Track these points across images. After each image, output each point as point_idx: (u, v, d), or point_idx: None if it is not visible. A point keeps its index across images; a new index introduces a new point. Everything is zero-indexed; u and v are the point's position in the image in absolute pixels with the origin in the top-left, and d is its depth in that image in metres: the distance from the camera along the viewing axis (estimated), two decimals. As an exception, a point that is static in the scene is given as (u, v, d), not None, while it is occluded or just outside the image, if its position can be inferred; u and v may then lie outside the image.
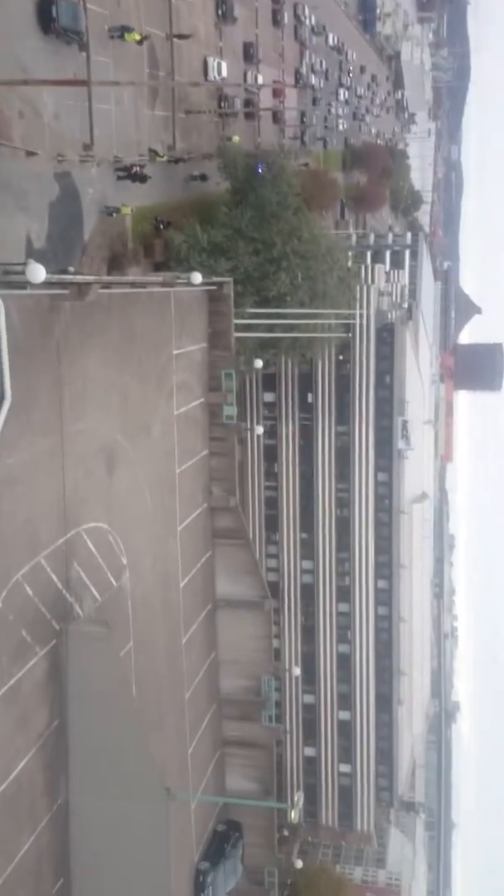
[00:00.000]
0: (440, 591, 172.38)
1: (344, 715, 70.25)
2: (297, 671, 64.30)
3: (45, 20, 33.64)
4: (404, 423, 67.17)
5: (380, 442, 67.08)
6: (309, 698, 70.14)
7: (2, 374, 21.63)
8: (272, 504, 68.38)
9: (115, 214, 41.16)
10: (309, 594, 68.96)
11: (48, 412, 27.09)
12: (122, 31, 40.53)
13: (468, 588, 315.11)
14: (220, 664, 45.39)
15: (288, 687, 66.83)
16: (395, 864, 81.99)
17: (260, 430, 62.07)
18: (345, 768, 71.14)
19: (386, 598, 69.20)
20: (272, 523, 68.37)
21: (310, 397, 67.09)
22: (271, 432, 67.47)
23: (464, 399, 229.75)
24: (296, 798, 33.82)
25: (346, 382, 66.19)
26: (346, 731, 70.48)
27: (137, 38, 41.39)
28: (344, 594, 68.70)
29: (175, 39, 47.93)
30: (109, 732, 29.00)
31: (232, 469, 44.02)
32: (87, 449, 29.82)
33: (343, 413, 66.77)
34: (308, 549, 68.37)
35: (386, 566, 68.82)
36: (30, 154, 32.22)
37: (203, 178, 50.24)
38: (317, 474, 67.21)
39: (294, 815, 33.61)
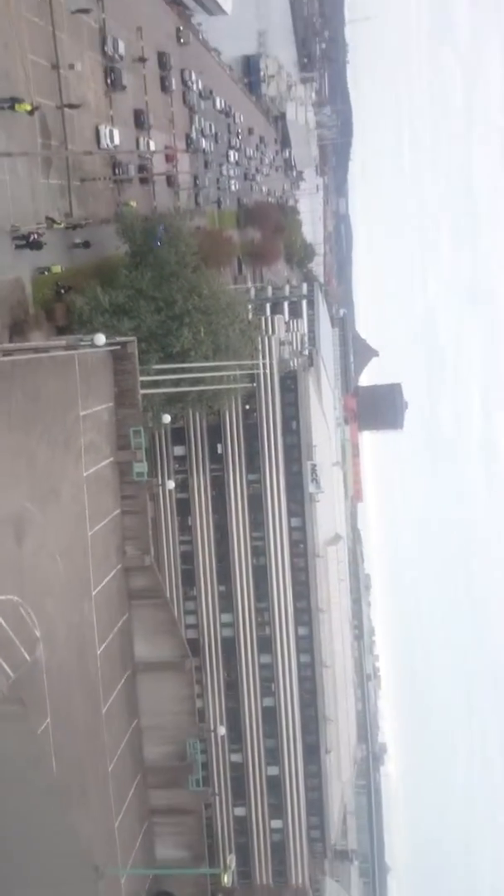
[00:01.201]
0: (360, 632, 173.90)
1: (272, 770, 69.57)
2: (222, 730, 63.58)
3: None
4: (313, 466, 68.50)
5: (291, 487, 68.12)
6: (236, 757, 69.17)
7: None
8: (188, 558, 68.17)
9: (46, 273, 44.69)
10: (230, 648, 68.57)
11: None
12: (12, 103, 40.85)
13: (386, 627, 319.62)
14: (142, 731, 44.52)
15: (214, 747, 65.88)
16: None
17: (171, 484, 62.03)
18: (276, 824, 70.17)
19: (307, 644, 69.49)
20: (189, 578, 68.06)
21: (219, 448, 67.77)
22: (183, 486, 67.55)
23: (368, 439, 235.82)
24: (228, 861, 33.39)
25: (255, 431, 67.33)
26: (275, 786, 69.74)
27: (28, 108, 41.78)
28: (265, 645, 68.67)
29: (66, 109, 48.77)
30: (29, 814, 27.95)
31: (145, 526, 43.86)
32: (-6, 520, 29.27)
33: (253, 461, 67.68)
34: (226, 601, 68.21)
35: (305, 612, 69.28)
36: None
37: (86, 245, 50.18)
38: (231, 524, 67.55)
39: (227, 879, 33.10)
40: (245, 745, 69.06)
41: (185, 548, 68.28)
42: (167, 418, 51.78)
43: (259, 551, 68.27)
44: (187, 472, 67.72)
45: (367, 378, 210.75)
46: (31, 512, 32.48)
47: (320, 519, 69.78)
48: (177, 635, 45.40)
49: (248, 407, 66.97)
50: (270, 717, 69.18)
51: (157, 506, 65.59)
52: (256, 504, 67.81)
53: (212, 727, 63.37)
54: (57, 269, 46.13)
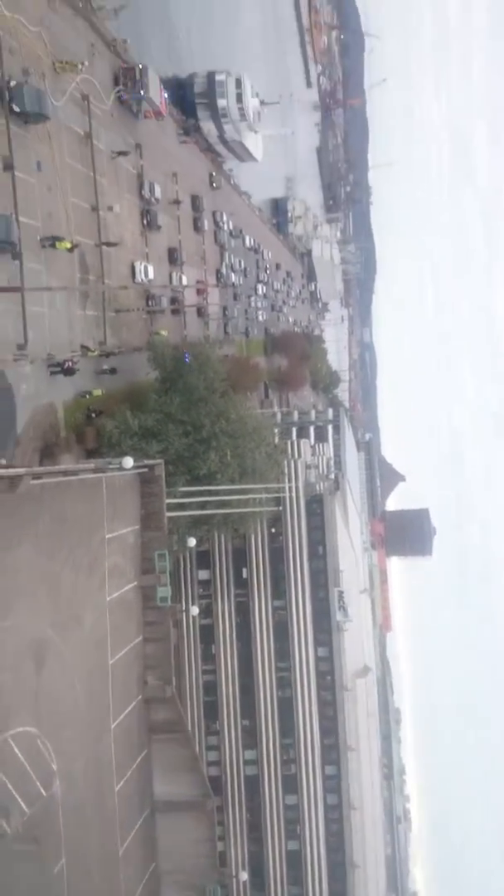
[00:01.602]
0: (389, 771, 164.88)
1: (297, 919, 64.65)
2: (244, 876, 59.47)
3: (-23, 234, 35.73)
4: (340, 593, 67.07)
5: (317, 614, 66.48)
6: (259, 904, 64.53)
7: None
8: (211, 689, 65.87)
9: (87, 396, 46.84)
10: (253, 787, 65.11)
11: (-24, 610, 26.19)
12: (53, 241, 43.30)
13: (418, 765, 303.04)
14: (161, 875, 41.74)
15: (235, 894, 61.46)
16: None
17: (195, 610, 60.91)
18: None
19: (335, 784, 65.91)
20: (211, 711, 65.51)
21: (245, 572, 66.76)
22: (207, 611, 66.20)
23: (397, 565, 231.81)
24: None
25: (280, 555, 66.45)
26: (300, 938, 64.58)
27: (68, 246, 44.29)
28: (290, 784, 65.17)
29: (104, 247, 51.40)
30: None
31: (167, 655, 42.65)
32: (14, 647, 28.63)
33: (279, 586, 66.45)
34: (250, 736, 65.32)
35: (333, 749, 66.09)
36: (-36, 355, 33.16)
37: (113, 371, 51.57)
38: (256, 653, 65.61)
39: None
40: (268, 892, 64.36)
41: (207, 678, 66.14)
42: (192, 541, 51.44)
43: (284, 682, 65.93)
44: (211, 596, 66.56)
45: (394, 503, 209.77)
46: (52, 638, 31.81)
47: (348, 649, 67.65)
48: (198, 773, 43.26)
49: (273, 531, 66.53)
50: (295, 861, 64.82)
51: (181, 632, 64.09)
52: (282, 632, 66.11)
53: (234, 872, 59.29)
54: (97, 392, 48.01)
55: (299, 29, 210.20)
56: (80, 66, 48.12)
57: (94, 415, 47.58)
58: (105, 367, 50.14)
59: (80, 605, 34.96)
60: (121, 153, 56.13)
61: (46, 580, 31.72)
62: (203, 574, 66.86)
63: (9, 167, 38.51)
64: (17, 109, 39.65)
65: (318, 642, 66.50)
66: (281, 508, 64.57)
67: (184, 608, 60.07)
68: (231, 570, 66.63)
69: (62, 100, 46.14)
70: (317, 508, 68.17)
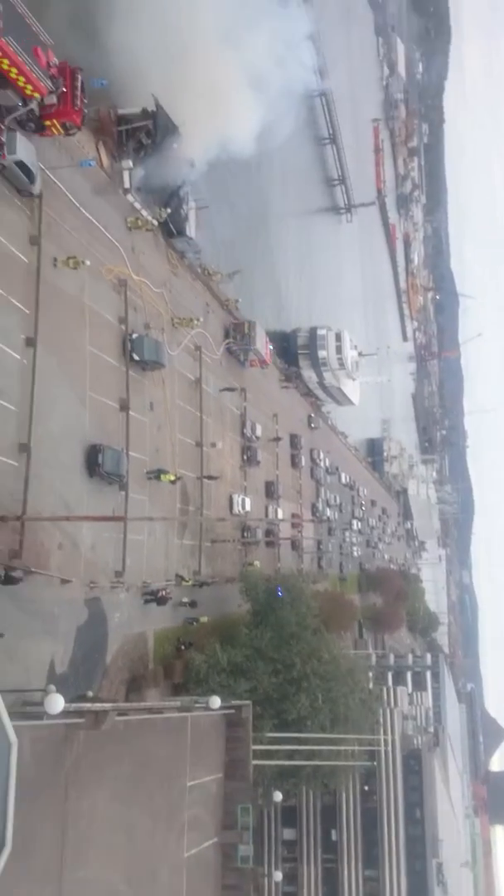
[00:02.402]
0: None
1: None
2: None
3: (92, 465, 37.79)
4: (439, 865, 59.85)
5: (413, 890, 59.02)
6: None
7: (5, 819, 19.80)
8: None
9: (194, 623, 47.79)
10: None
11: (49, 858, 24.41)
12: (158, 473, 45.43)
13: None
14: None
15: None
16: None
17: (279, 875, 54.92)
18: None
19: None
20: None
21: (333, 834, 60.72)
22: (291, 877, 59.60)
23: (502, 835, 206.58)
24: None
25: (373, 817, 60.40)
26: None
27: (172, 478, 46.32)
28: None
29: (205, 480, 53.44)
30: None
31: (246, 928, 37.95)
32: (85, 901, 26.10)
33: (371, 853, 59.79)
34: None
35: None
36: (64, 582, 33.77)
37: (193, 604, 49.49)
38: (344, 934, 57.79)
39: None
40: None
41: None
42: (279, 796, 47.55)
43: None
44: (297, 859, 60.21)
45: (498, 762, 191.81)
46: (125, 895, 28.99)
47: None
48: None
49: (366, 788, 60.93)
50: None
51: (260, 899, 57.51)
52: (374, 908, 58.47)
53: None
54: (204, 619, 47.97)
55: (397, 291, 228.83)
56: (195, 322, 53.17)
57: (183, 647, 46.66)
58: (185, 599, 48.59)
59: (156, 860, 32.05)
60: (227, 389, 60.05)
61: (123, 829, 29.48)
62: (288, 833, 60.97)
63: (124, 407, 41.63)
64: (136, 358, 43.51)
65: (416, 924, 58.29)
66: (375, 763, 59.41)
67: (266, 872, 54.35)
68: (319, 831, 60.63)
69: (177, 350, 50.53)
70: (414, 765, 62.52)
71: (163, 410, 47.62)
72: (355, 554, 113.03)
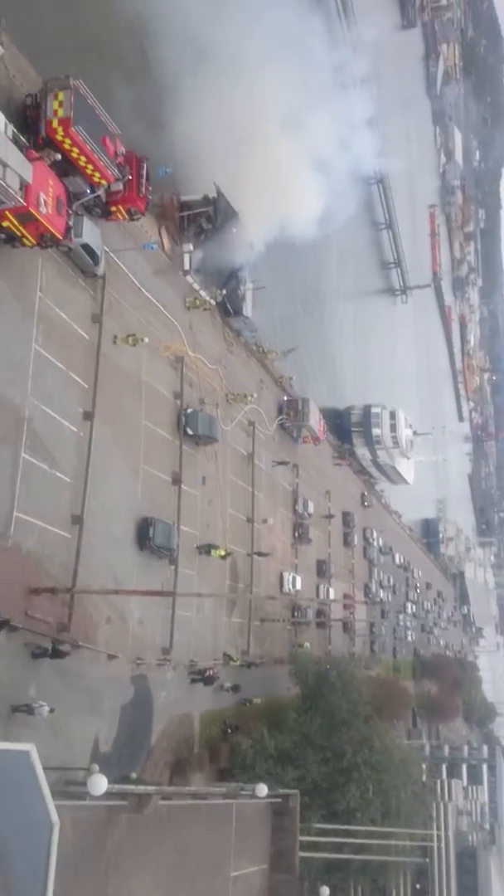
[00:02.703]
0: None
1: None
2: None
3: (142, 538, 37.79)
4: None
5: None
6: None
7: (45, 902, 19.04)
8: None
9: (248, 704, 46.92)
10: None
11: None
12: (208, 548, 45.15)
13: None
14: None
15: None
16: None
17: None
18: None
19: None
20: None
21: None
22: None
23: None
24: None
25: (426, 919, 56.65)
26: None
27: (222, 553, 45.97)
28: None
29: (255, 556, 52.91)
30: None
31: None
32: None
33: None
34: None
35: None
36: (111, 657, 33.37)
37: (235, 688, 47.03)
38: None
39: None
40: None
41: None
42: (326, 891, 45.01)
43: None
44: None
45: None
46: None
47: None
48: None
49: (418, 887, 57.37)
50: None
51: None
52: None
53: None
54: (257, 700, 47.23)
55: (452, 371, 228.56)
56: (249, 398, 53.73)
57: (230, 730, 45.36)
58: (227, 684, 46.06)
59: None
60: (280, 463, 60.04)
61: (161, 923, 28.18)
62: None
63: (177, 481, 41.83)
64: (190, 432, 43.97)
65: None
66: (427, 860, 56.27)
67: None
68: (368, 933, 57.08)
69: (231, 425, 50.91)
70: (469, 864, 58.95)
71: (215, 485, 47.71)
72: (409, 638, 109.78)
